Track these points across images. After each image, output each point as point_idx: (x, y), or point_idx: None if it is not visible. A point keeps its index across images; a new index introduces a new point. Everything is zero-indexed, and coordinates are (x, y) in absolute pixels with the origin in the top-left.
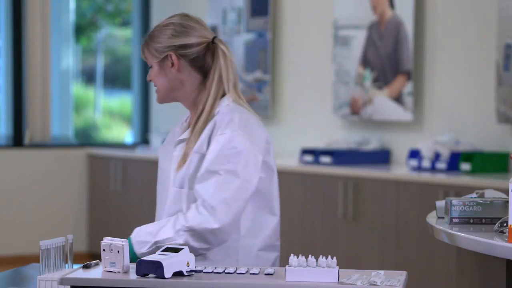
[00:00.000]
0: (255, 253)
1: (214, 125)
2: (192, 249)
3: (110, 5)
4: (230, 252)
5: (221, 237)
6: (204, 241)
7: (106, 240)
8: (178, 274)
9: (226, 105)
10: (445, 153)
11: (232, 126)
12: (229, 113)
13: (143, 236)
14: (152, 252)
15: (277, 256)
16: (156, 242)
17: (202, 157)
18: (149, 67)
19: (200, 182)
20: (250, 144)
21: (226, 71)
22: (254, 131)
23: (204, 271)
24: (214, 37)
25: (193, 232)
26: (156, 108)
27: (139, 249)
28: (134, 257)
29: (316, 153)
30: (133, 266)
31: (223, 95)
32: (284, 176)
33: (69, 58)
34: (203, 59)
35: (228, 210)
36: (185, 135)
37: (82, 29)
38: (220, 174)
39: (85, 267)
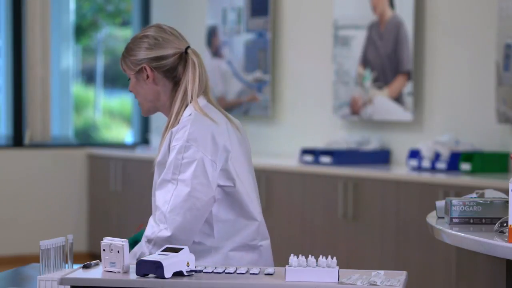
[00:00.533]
0: (225, 253)
1: (171, 136)
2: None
3: (110, 5)
4: (202, 253)
5: (176, 244)
6: (159, 246)
7: (106, 240)
8: (178, 274)
9: (188, 115)
10: (445, 153)
11: (184, 137)
12: (185, 123)
13: (132, 258)
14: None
15: (257, 256)
16: (138, 257)
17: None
18: (127, 79)
19: (158, 189)
20: (202, 154)
21: (192, 81)
22: (209, 141)
23: (204, 271)
24: (187, 47)
25: (151, 241)
26: None
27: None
28: None
29: (316, 153)
30: (133, 266)
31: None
32: (284, 176)
33: (69, 58)
34: (175, 70)
35: (178, 218)
36: (159, 157)
37: (82, 29)
38: (172, 183)
39: (85, 267)
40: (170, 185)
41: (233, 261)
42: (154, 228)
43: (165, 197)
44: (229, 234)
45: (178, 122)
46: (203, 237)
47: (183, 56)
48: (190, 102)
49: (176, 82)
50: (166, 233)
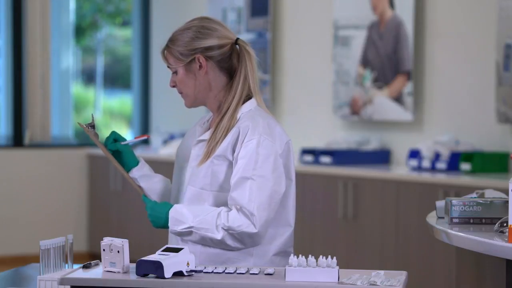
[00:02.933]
0: (269, 257)
1: (239, 133)
2: (225, 246)
3: (110, 5)
4: (247, 254)
5: (257, 241)
6: (240, 242)
7: (106, 240)
8: (178, 274)
9: (248, 110)
10: (445, 153)
11: (258, 132)
12: (252, 118)
13: (181, 216)
14: (186, 233)
15: None
16: (192, 227)
17: (224, 161)
18: (172, 73)
19: (235, 189)
20: (276, 148)
21: (252, 72)
22: (277, 136)
23: (204, 271)
24: (237, 38)
25: (231, 232)
26: (156, 108)
27: (174, 226)
28: (160, 224)
29: (316, 153)
30: (133, 266)
31: (247, 96)
32: None
33: (69, 58)
34: (229, 60)
35: (264, 214)
36: (206, 136)
37: (82, 29)
38: (253, 180)
39: (85, 267)
40: (250, 181)
41: (273, 265)
42: (240, 221)
43: (250, 195)
44: (272, 238)
45: (237, 116)
46: None
47: (234, 47)
48: (253, 96)
49: (230, 74)
50: (253, 229)
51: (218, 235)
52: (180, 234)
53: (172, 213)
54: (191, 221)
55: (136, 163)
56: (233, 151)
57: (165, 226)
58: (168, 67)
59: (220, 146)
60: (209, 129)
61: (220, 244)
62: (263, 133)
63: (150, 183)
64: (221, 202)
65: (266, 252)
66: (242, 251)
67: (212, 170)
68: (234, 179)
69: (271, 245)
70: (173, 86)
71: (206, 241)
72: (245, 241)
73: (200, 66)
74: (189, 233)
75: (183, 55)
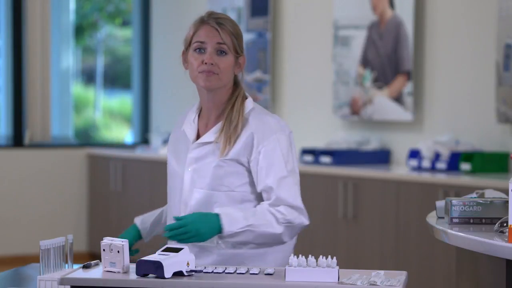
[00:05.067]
0: (289, 253)
1: (253, 136)
2: (279, 241)
3: (110, 5)
4: (285, 254)
5: (296, 232)
6: (293, 235)
7: (106, 240)
8: (178, 274)
9: (251, 109)
10: (445, 153)
11: (274, 130)
12: (261, 119)
13: (232, 217)
14: (240, 233)
15: None
16: (250, 225)
17: (236, 163)
18: (220, 52)
19: (278, 190)
20: (291, 140)
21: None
22: (286, 129)
23: (204, 271)
24: None
25: (290, 225)
26: (156, 108)
27: (231, 227)
28: (214, 232)
29: (316, 153)
30: (133, 266)
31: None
32: None
33: (69, 58)
34: None
35: (303, 205)
36: (209, 138)
37: (82, 29)
38: (288, 176)
39: (85, 267)
40: (287, 179)
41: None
42: (295, 215)
43: (293, 192)
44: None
45: (243, 118)
46: None
47: None
48: (247, 96)
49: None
50: (306, 221)
51: (279, 229)
52: (234, 235)
53: (223, 216)
54: (246, 219)
55: (138, 237)
56: (249, 154)
57: (215, 233)
58: (219, 43)
59: (233, 149)
60: (205, 129)
61: (276, 239)
62: (277, 130)
63: (159, 227)
64: (234, 201)
65: (288, 245)
66: (281, 252)
67: (224, 171)
68: (272, 181)
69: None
70: (212, 64)
71: (262, 238)
72: (297, 233)
73: (240, 65)
74: (245, 232)
75: (240, 49)
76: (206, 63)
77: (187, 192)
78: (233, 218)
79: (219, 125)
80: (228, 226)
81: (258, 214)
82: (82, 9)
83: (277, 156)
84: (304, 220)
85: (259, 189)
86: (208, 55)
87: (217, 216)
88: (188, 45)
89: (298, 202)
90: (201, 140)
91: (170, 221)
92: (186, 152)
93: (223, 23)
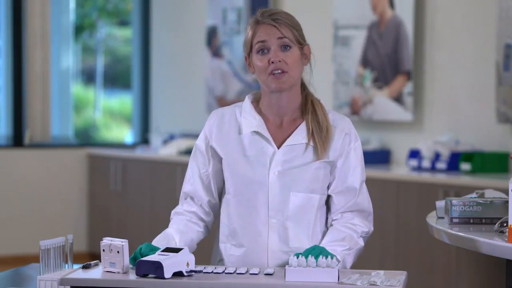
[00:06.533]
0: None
1: (345, 137)
2: (360, 253)
3: (109, 5)
4: None
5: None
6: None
7: (106, 240)
8: (178, 274)
9: (328, 110)
10: (445, 153)
11: (355, 133)
12: (342, 119)
13: (335, 246)
14: (349, 253)
15: None
16: (349, 248)
17: (329, 164)
18: (284, 48)
19: (360, 195)
20: None
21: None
22: None
23: (204, 271)
24: None
25: (367, 236)
26: (156, 108)
27: (341, 251)
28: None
29: None
30: (132, 266)
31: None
32: None
33: (69, 58)
34: None
35: None
36: (298, 140)
37: (82, 29)
38: (364, 181)
39: (85, 267)
40: (365, 184)
41: None
42: (366, 224)
43: (368, 198)
44: None
45: (326, 115)
46: None
47: None
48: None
49: None
50: (372, 227)
51: (361, 242)
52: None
53: (327, 245)
54: (345, 243)
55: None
56: (340, 155)
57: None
58: (281, 38)
59: (331, 151)
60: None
61: (360, 252)
62: (356, 132)
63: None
64: (322, 204)
65: None
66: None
67: (322, 173)
68: (358, 182)
69: None
70: (279, 61)
71: (355, 257)
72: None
73: (306, 55)
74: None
75: (302, 39)
76: (273, 62)
77: (278, 197)
78: (337, 247)
79: (302, 126)
80: (341, 250)
81: (347, 236)
82: (82, 7)
83: (359, 158)
84: (371, 227)
85: (337, 189)
86: (273, 52)
87: (323, 248)
88: (249, 49)
89: (370, 207)
90: (290, 142)
91: (233, 226)
92: (259, 154)
93: (278, 17)
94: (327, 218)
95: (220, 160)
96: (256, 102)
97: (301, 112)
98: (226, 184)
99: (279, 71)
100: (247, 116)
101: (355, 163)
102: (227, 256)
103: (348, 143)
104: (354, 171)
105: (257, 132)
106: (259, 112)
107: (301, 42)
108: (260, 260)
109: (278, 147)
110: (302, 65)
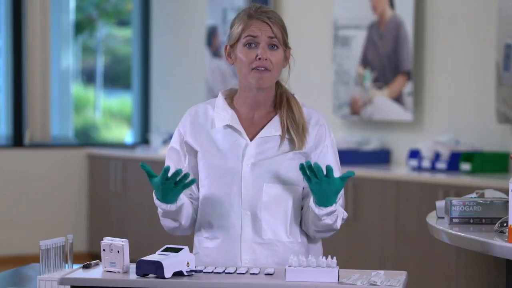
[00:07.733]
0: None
1: (320, 129)
2: (331, 231)
3: (108, 4)
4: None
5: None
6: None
7: (106, 240)
8: (178, 274)
9: (302, 103)
10: (445, 153)
11: (329, 128)
12: (317, 112)
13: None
14: (330, 213)
15: None
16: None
17: (303, 156)
18: (271, 47)
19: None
20: None
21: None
22: None
23: (204, 271)
24: None
25: (344, 220)
26: (156, 108)
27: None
28: (333, 200)
29: None
30: (133, 266)
31: None
32: None
33: (69, 58)
34: None
35: None
36: (271, 132)
37: (81, 28)
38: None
39: (85, 267)
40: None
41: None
42: (344, 212)
43: (343, 195)
44: None
45: (300, 108)
46: None
47: None
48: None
49: None
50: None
51: (339, 224)
52: (330, 213)
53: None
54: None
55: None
56: (315, 147)
57: (332, 203)
58: (271, 37)
59: (307, 142)
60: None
61: (332, 230)
62: (329, 126)
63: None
64: (299, 196)
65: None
66: (305, 245)
67: (295, 164)
68: (336, 173)
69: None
70: (266, 59)
71: (326, 226)
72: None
73: (287, 58)
74: (334, 214)
75: (287, 41)
76: (260, 58)
77: (252, 188)
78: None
79: (276, 119)
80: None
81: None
82: (81, 6)
83: (336, 152)
84: (345, 214)
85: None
86: (262, 49)
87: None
88: (235, 40)
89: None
90: (263, 134)
91: (207, 218)
92: (232, 147)
93: (272, 16)
94: None
95: (195, 154)
96: (230, 99)
97: (274, 107)
98: (200, 176)
99: (263, 68)
100: (219, 111)
101: (335, 157)
102: (201, 249)
103: (322, 136)
104: (335, 165)
105: (229, 126)
106: (232, 107)
107: (286, 45)
108: (233, 252)
109: (251, 140)
110: (282, 67)
